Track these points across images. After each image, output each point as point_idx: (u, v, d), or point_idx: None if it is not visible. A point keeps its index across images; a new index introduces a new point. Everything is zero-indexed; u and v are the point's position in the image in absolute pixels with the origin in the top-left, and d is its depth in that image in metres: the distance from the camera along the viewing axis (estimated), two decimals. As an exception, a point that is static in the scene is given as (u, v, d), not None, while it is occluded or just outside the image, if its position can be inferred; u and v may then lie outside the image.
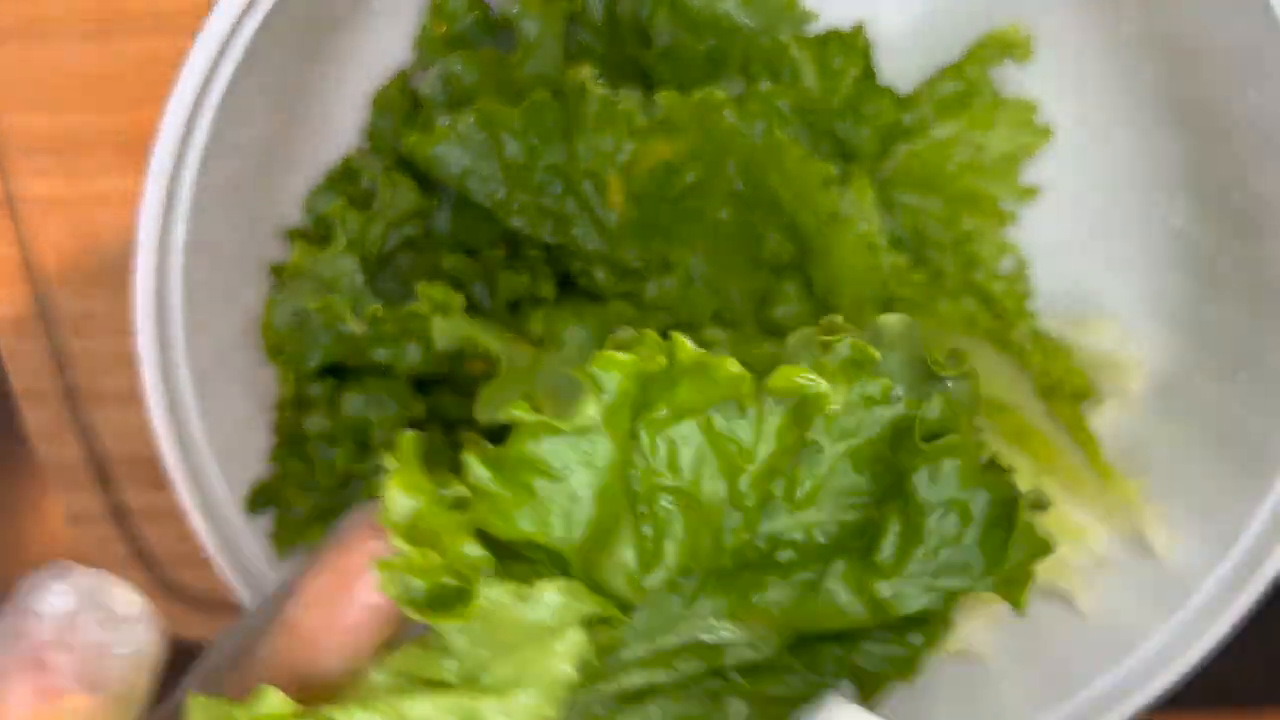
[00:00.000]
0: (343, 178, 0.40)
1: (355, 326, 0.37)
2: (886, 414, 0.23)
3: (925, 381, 0.23)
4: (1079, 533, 0.40)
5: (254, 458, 0.39)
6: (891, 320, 0.24)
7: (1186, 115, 0.39)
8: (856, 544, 0.24)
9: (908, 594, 0.24)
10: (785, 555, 0.24)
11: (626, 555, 0.22)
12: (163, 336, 0.35)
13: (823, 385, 0.22)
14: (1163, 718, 0.38)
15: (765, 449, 0.22)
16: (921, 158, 0.40)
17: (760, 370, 0.22)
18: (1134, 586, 0.39)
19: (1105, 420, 0.41)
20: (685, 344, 0.21)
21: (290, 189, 0.40)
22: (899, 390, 0.23)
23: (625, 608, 0.23)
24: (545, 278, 0.39)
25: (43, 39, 0.41)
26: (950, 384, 0.23)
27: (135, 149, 0.42)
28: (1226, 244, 0.39)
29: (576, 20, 0.39)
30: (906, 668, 0.25)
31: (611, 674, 0.23)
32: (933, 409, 0.23)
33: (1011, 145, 0.40)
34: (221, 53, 0.33)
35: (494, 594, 0.20)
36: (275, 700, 0.19)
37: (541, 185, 0.38)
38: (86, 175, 0.43)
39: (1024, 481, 0.39)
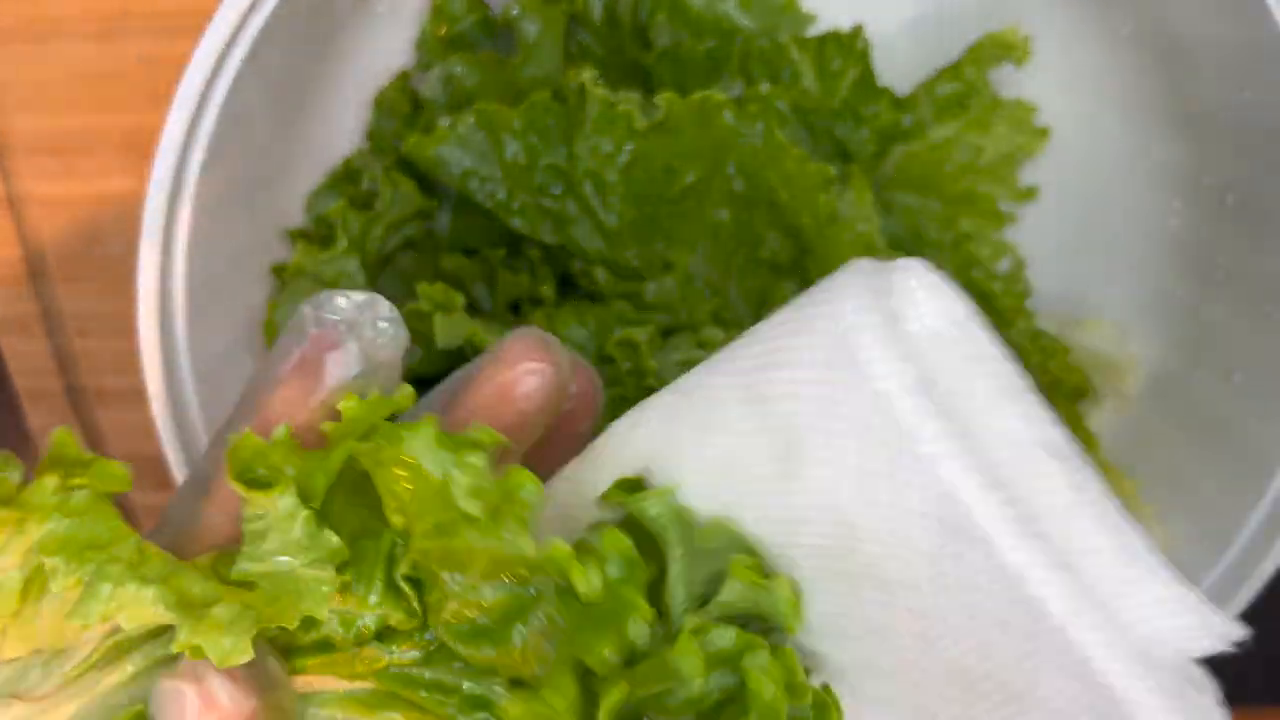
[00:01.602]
0: (344, 178, 0.40)
1: (357, 326, 0.37)
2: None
3: None
4: (1076, 531, 0.40)
5: (256, 457, 0.39)
6: None
7: (1184, 116, 0.39)
8: None
9: None
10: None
11: None
12: (165, 337, 0.35)
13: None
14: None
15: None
16: (920, 159, 0.40)
17: None
18: (1131, 585, 0.39)
19: (1102, 419, 0.42)
20: None
21: (292, 190, 0.40)
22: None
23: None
24: (545, 278, 0.39)
25: (45, 40, 0.41)
26: None
27: (137, 150, 0.42)
28: (1223, 245, 0.39)
29: (577, 22, 0.40)
30: None
31: None
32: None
33: (1009, 146, 0.40)
34: (224, 54, 0.33)
35: None
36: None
37: (541, 186, 0.38)
38: (88, 176, 0.43)
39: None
